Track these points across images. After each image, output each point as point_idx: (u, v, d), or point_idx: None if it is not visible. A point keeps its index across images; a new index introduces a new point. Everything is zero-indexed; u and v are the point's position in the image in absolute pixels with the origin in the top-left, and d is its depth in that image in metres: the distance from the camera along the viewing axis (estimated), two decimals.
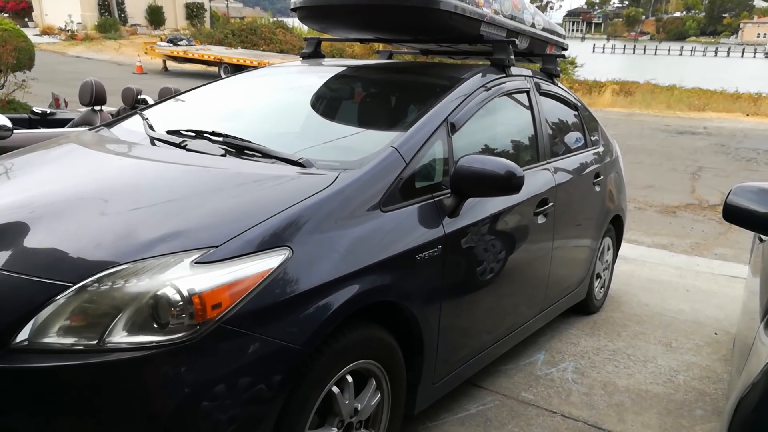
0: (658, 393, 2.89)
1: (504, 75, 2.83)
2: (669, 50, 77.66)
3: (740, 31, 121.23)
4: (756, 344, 1.56)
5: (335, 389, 1.81)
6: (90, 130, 2.76)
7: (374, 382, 1.98)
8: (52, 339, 1.43)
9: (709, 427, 2.63)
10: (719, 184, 8.08)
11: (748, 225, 1.70)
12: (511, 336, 2.83)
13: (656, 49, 79.04)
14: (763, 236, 2.45)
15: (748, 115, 16.52)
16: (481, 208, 2.36)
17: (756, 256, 2.58)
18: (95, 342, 1.42)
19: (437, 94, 2.45)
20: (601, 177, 3.55)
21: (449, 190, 2.19)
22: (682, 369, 3.15)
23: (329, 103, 2.88)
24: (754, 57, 76.85)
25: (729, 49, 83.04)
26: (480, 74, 2.68)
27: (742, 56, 77.26)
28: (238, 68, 16.85)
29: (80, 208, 1.76)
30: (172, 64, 22.22)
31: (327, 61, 3.29)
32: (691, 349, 3.39)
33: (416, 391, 2.20)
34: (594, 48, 75.58)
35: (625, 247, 4.64)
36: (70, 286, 1.46)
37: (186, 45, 22.74)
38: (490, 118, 2.72)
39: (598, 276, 3.80)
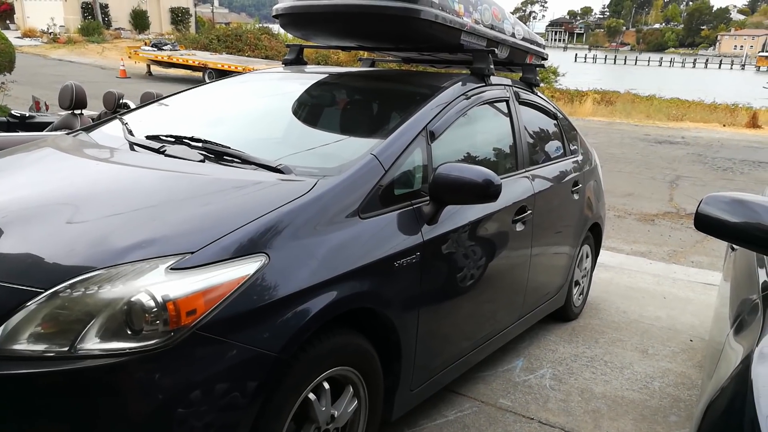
0: (634, 399, 2.93)
1: (484, 84, 2.86)
2: (649, 61, 78.92)
3: (718, 43, 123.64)
4: (725, 349, 1.59)
5: (312, 396, 1.81)
6: (68, 134, 2.74)
7: (351, 389, 1.99)
8: (23, 346, 1.41)
9: None
10: (696, 192, 8.21)
11: (718, 234, 1.72)
12: (490, 342, 2.85)
13: (636, 60, 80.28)
14: (734, 245, 2.50)
15: (724, 125, 16.83)
16: (459, 215, 2.37)
17: (728, 264, 2.63)
18: (66, 349, 1.41)
19: (417, 102, 2.47)
20: (580, 185, 3.60)
21: (428, 198, 2.20)
22: (657, 375, 3.19)
23: (310, 109, 2.89)
24: (731, 69, 78.37)
25: (707, 60, 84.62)
26: (460, 83, 2.70)
27: (719, 67, 78.75)
28: (222, 74, 16.79)
29: (54, 213, 1.74)
30: (156, 69, 22.08)
31: (309, 68, 3.30)
32: (666, 355, 3.44)
33: (394, 398, 2.20)
34: (576, 58, 76.56)
35: (604, 255, 4.70)
36: (42, 292, 1.44)
37: (170, 50, 22.64)
38: (469, 127, 2.75)
39: (577, 283, 3.84)
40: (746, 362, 1.26)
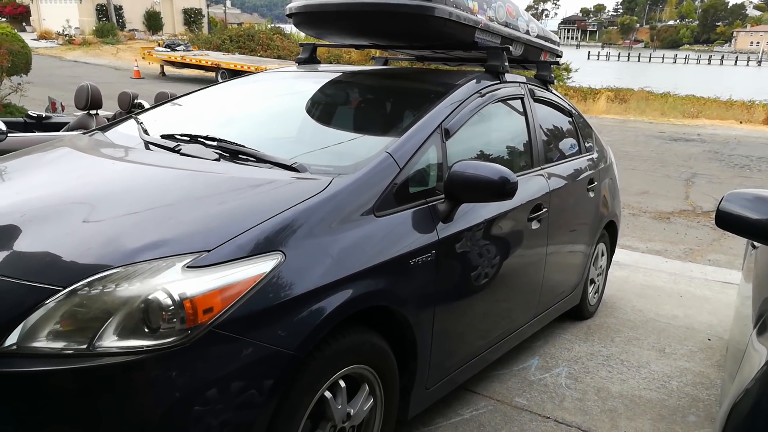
0: (652, 399, 2.90)
1: (498, 81, 2.84)
2: (663, 58, 78.14)
3: (733, 40, 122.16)
4: (749, 350, 1.57)
5: (327, 394, 1.80)
6: (84, 133, 2.76)
7: (367, 387, 1.98)
8: (42, 343, 1.42)
9: None
10: (713, 190, 8.11)
11: (740, 231, 1.70)
12: (505, 341, 2.83)
13: (650, 57, 79.53)
14: (755, 243, 2.46)
15: (741, 122, 16.62)
16: (474, 213, 2.36)
17: (748, 263, 2.59)
18: (85, 346, 1.42)
19: (432, 100, 2.46)
20: (595, 183, 3.56)
21: (443, 196, 2.19)
22: (675, 375, 3.15)
23: (324, 108, 2.88)
24: (747, 65, 77.38)
25: (722, 57, 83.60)
26: (474, 81, 2.69)
27: (735, 64, 77.79)
28: (235, 74, 16.86)
29: (72, 211, 1.75)
30: (169, 69, 22.24)
31: (322, 66, 3.30)
32: (684, 354, 3.40)
33: (409, 396, 2.19)
34: (589, 55, 76.01)
35: (619, 253, 4.65)
36: (60, 290, 1.45)
37: (183, 50, 22.79)
38: (484, 124, 2.73)
39: (592, 281, 3.81)
40: None
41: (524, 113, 3.00)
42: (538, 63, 3.50)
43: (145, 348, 1.43)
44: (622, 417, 2.72)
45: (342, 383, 1.86)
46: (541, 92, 3.26)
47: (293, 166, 2.02)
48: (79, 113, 4.84)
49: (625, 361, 3.27)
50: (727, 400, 1.38)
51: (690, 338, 3.62)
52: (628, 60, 78.27)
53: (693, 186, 8.49)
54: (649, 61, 76.10)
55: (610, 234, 3.96)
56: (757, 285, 2.05)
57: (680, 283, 4.58)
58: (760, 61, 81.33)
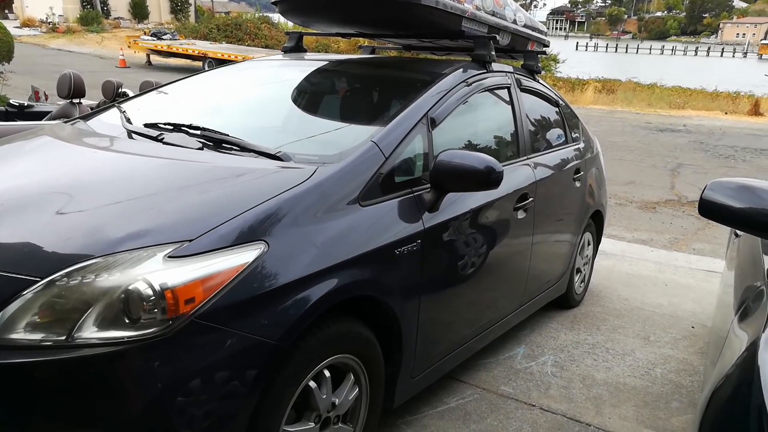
0: (636, 386, 2.92)
1: (485, 71, 2.83)
2: (650, 49, 78.46)
3: (720, 31, 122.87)
4: (730, 336, 1.58)
5: (312, 384, 1.80)
6: (65, 122, 2.72)
7: (352, 377, 1.98)
8: (20, 335, 1.40)
9: (685, 418, 2.66)
10: (698, 180, 8.17)
11: (723, 220, 1.71)
12: (491, 330, 2.84)
13: (638, 48, 79.80)
14: (738, 231, 2.48)
15: (726, 113, 16.75)
16: (461, 203, 2.35)
17: (731, 251, 2.61)
18: (64, 338, 1.40)
19: (418, 89, 2.44)
20: (582, 173, 3.57)
21: (429, 185, 2.18)
22: (659, 362, 3.19)
23: (309, 97, 2.86)
24: (733, 56, 77.94)
25: (709, 48, 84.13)
26: (461, 70, 2.67)
27: (722, 55, 78.32)
28: (222, 63, 16.68)
29: (51, 201, 1.73)
30: (155, 59, 21.98)
31: (308, 55, 3.27)
32: (668, 342, 3.43)
33: (395, 386, 2.20)
34: (577, 46, 76.14)
35: (605, 243, 4.68)
36: (38, 281, 1.43)
37: (170, 39, 22.52)
38: (470, 114, 2.72)
39: (578, 270, 3.83)
40: (752, 349, 1.25)
41: (511, 103, 3.00)
42: (525, 53, 3.49)
43: (125, 339, 1.41)
44: (606, 404, 2.74)
45: (327, 373, 1.85)
46: (527, 82, 3.25)
47: (277, 155, 2.00)
48: (62, 102, 4.76)
49: (610, 349, 3.30)
50: (708, 386, 1.39)
51: (674, 326, 3.66)
52: (616, 51, 78.47)
53: (678, 176, 8.56)
54: (637, 52, 76.37)
55: (596, 223, 3.98)
56: (739, 273, 2.07)
57: (665, 271, 4.62)
58: (745, 53, 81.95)
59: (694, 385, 2.97)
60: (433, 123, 2.32)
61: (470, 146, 2.65)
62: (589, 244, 3.95)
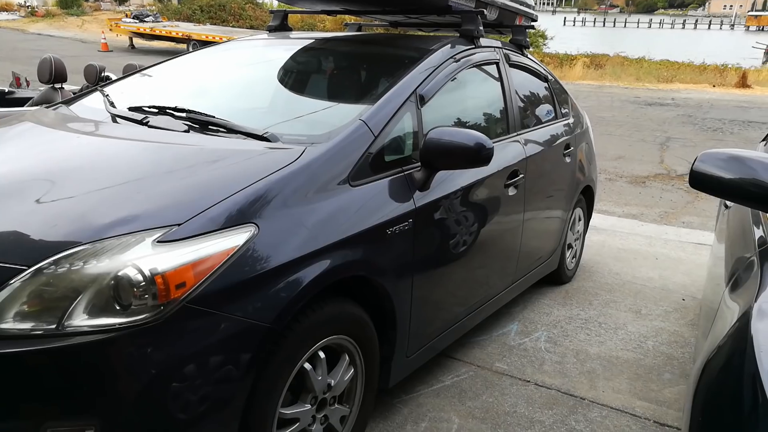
0: (628, 359, 2.95)
1: (473, 46, 2.80)
2: (638, 23, 78.22)
3: (707, 3, 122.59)
4: (721, 308, 1.59)
5: (307, 366, 1.79)
6: (48, 107, 2.66)
7: (347, 358, 1.98)
8: (9, 324, 1.38)
9: (677, 389, 2.70)
10: (687, 154, 8.20)
11: (714, 191, 1.70)
12: (484, 307, 2.85)
13: (626, 22, 79.54)
14: (728, 203, 2.49)
15: (714, 86, 16.78)
16: (451, 181, 2.34)
17: (721, 224, 2.62)
18: (54, 326, 1.38)
19: (405, 66, 2.41)
20: (572, 148, 3.56)
21: (419, 164, 2.17)
22: (651, 335, 3.22)
23: (296, 76, 2.82)
24: (720, 29, 77.90)
25: (696, 21, 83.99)
26: (449, 45, 2.64)
27: (709, 28, 78.26)
28: (207, 45, 16.45)
29: (36, 188, 1.69)
30: (138, 42, 21.63)
31: (294, 34, 3.22)
32: (659, 315, 3.46)
33: (390, 365, 2.20)
34: (565, 21, 75.72)
35: (596, 218, 4.69)
36: (25, 269, 1.41)
37: (153, 21, 22.14)
38: (459, 90, 2.70)
39: (570, 246, 3.84)
40: (744, 319, 1.26)
41: (500, 78, 2.97)
42: (513, 27, 3.45)
43: (117, 326, 1.40)
44: (600, 378, 2.77)
45: (322, 354, 1.85)
46: (516, 57, 3.22)
47: (265, 136, 1.97)
48: (44, 87, 4.68)
49: (602, 323, 3.32)
50: (701, 357, 1.40)
51: (665, 299, 3.69)
52: (604, 25, 78.15)
53: (667, 150, 8.58)
54: (625, 26, 76.12)
55: (586, 199, 3.98)
56: (729, 245, 2.08)
57: (655, 245, 4.65)
58: (732, 25, 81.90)
59: (686, 357, 3.00)
60: (422, 100, 2.30)
61: (460, 123, 2.62)
62: (579, 220, 3.96)
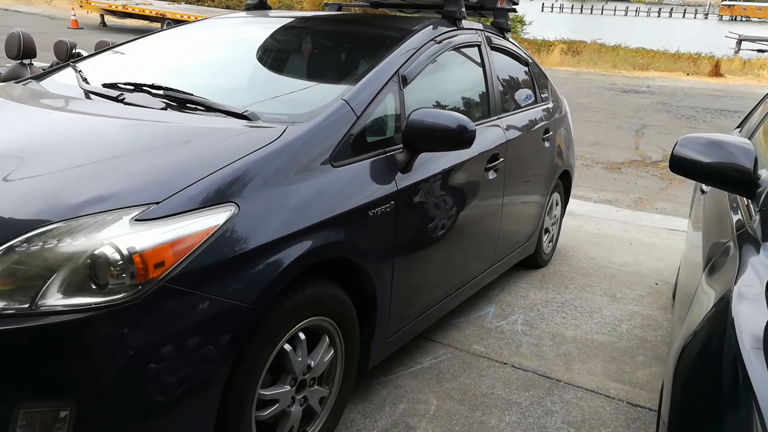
0: (603, 342, 3.00)
1: (455, 28, 2.78)
2: (615, 10, 78.72)
3: None
4: (698, 293, 1.61)
5: (287, 347, 1.78)
6: (17, 83, 2.58)
7: (327, 339, 1.97)
8: None
9: (650, 371, 2.75)
10: (661, 141, 8.33)
11: (693, 175, 1.73)
12: (462, 290, 2.86)
13: (603, 9, 79.96)
14: (704, 188, 2.53)
15: (688, 74, 17.04)
16: (433, 163, 2.33)
17: (696, 210, 2.66)
18: (27, 305, 1.33)
19: (388, 46, 2.38)
20: (551, 133, 3.58)
21: (401, 145, 2.15)
22: (625, 318, 3.27)
23: (276, 55, 2.77)
24: (695, 17, 78.93)
25: (671, 9, 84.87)
26: (431, 27, 2.62)
27: (684, 17, 79.20)
28: (181, 24, 16.11)
29: (6, 165, 1.63)
30: (110, 19, 21.03)
31: (273, 12, 3.16)
32: (634, 299, 3.53)
33: (370, 347, 2.20)
34: (543, 7, 75.86)
35: (572, 203, 4.75)
36: None
37: None
38: (441, 72, 2.68)
39: (547, 231, 3.87)
40: (722, 303, 1.27)
41: (481, 61, 2.96)
42: (495, 10, 3.44)
43: (93, 305, 1.36)
44: (575, 360, 2.81)
45: (302, 335, 1.84)
46: (498, 40, 3.21)
47: (245, 114, 1.93)
48: (11, 63, 4.52)
49: (578, 307, 3.37)
50: (678, 342, 1.42)
51: (639, 283, 3.75)
52: (581, 12, 78.49)
53: (643, 137, 8.70)
54: (602, 13, 76.55)
55: (564, 183, 4.01)
56: (706, 230, 2.11)
57: (630, 231, 4.72)
58: (706, 14, 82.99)
59: (658, 340, 3.06)
60: (405, 81, 2.28)
61: (441, 106, 2.61)
62: (557, 205, 3.99)
